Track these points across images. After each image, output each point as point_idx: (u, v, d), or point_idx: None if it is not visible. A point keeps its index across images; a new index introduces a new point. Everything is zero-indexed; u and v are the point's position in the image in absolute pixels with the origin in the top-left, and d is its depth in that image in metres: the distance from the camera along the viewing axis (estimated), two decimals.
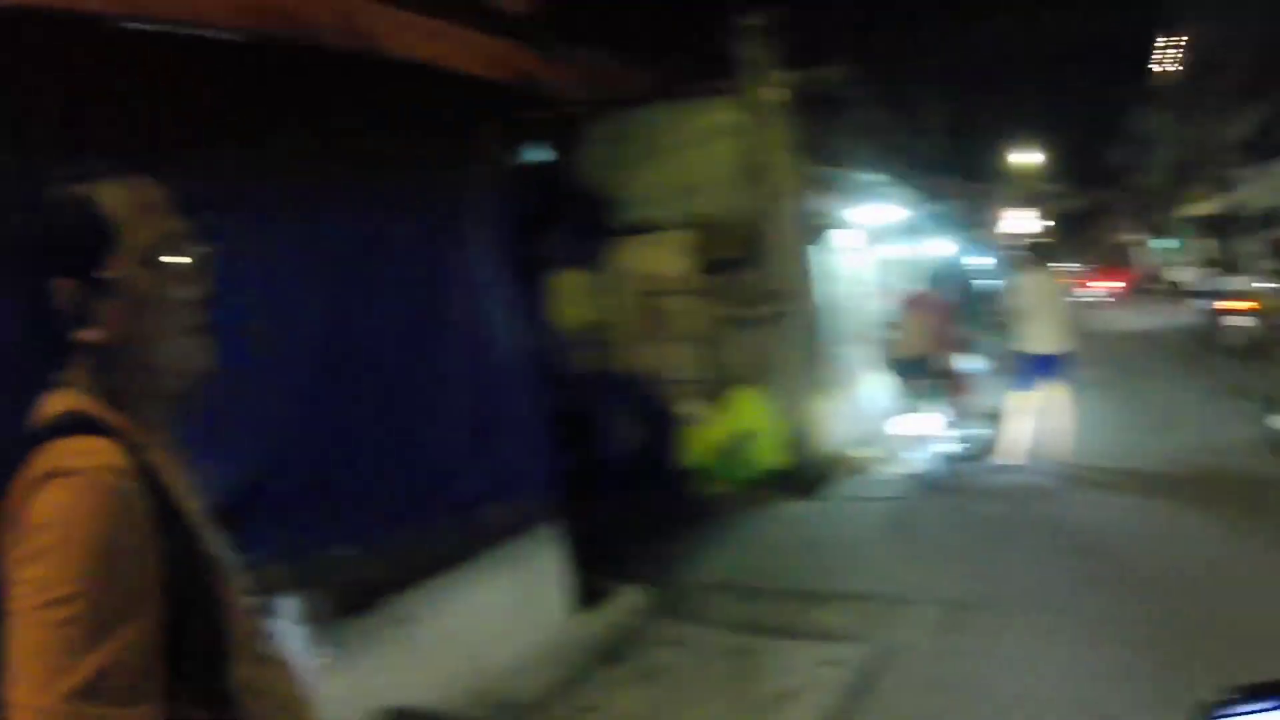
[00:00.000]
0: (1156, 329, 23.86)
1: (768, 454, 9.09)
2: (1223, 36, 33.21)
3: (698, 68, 9.99)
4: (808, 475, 9.31)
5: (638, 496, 7.96)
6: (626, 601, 6.04)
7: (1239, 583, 5.98)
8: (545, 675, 5.07)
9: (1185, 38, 41.17)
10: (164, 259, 1.28)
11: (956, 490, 8.95)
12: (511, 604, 5.17)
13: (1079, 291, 44.22)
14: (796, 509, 8.61)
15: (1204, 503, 7.93)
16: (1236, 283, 20.01)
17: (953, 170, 26.98)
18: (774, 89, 9.79)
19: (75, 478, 1.13)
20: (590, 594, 5.78)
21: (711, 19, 9.87)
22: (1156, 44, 45.41)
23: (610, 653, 5.52)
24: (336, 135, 4.27)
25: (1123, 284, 45.78)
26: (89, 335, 1.24)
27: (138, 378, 1.30)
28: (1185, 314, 22.16)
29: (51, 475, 1.13)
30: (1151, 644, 5.12)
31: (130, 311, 1.26)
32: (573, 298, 9.36)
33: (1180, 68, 42.66)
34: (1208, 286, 21.77)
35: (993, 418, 10.79)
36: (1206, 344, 18.26)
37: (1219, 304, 18.13)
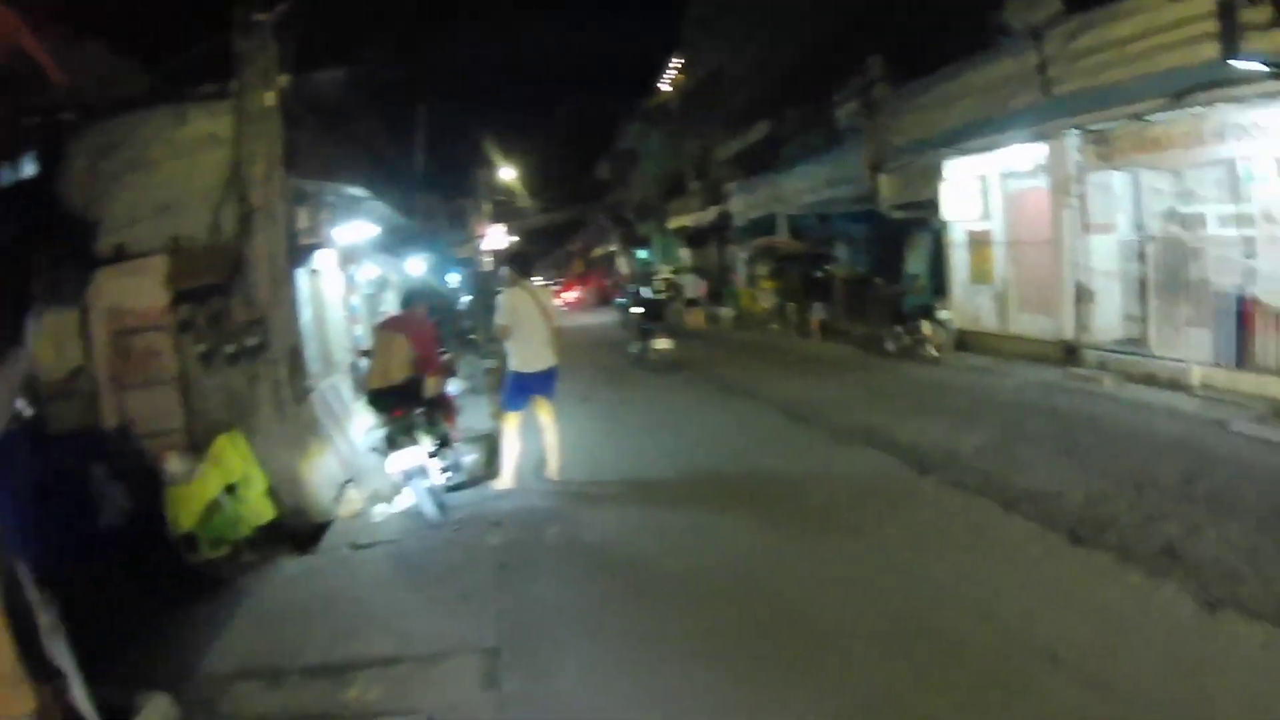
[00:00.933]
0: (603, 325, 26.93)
1: (259, 507, 8.38)
2: (721, 63, 36.62)
3: (202, 67, 9.10)
4: (304, 526, 8.72)
5: (132, 573, 7.00)
6: (155, 716, 4.91)
7: (776, 577, 6.59)
8: None
9: (684, 60, 44.13)
10: None
11: (459, 523, 8.63)
12: None
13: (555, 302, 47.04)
14: (299, 566, 7.94)
15: (700, 499, 8.85)
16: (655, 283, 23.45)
17: (437, 185, 26.56)
18: (270, 94, 9.11)
19: None
20: (109, 713, 4.46)
21: (221, 11, 8.97)
22: (653, 66, 48.32)
23: None
24: None
25: (578, 294, 52.35)
26: None
27: None
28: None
29: None
30: (717, 654, 5.38)
31: None
32: (54, 341, 8.20)
33: (677, 88, 45.55)
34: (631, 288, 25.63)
35: (481, 441, 10.96)
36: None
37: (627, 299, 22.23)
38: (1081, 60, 13.62)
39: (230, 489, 8.08)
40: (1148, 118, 12.59)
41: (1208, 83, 11.35)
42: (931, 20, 18.64)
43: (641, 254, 51.95)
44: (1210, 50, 11.11)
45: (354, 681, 5.42)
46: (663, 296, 23.92)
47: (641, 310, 20.94)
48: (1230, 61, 10.75)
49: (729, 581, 6.60)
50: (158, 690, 5.01)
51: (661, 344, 19.13)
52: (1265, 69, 10.52)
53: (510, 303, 9.36)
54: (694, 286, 29.73)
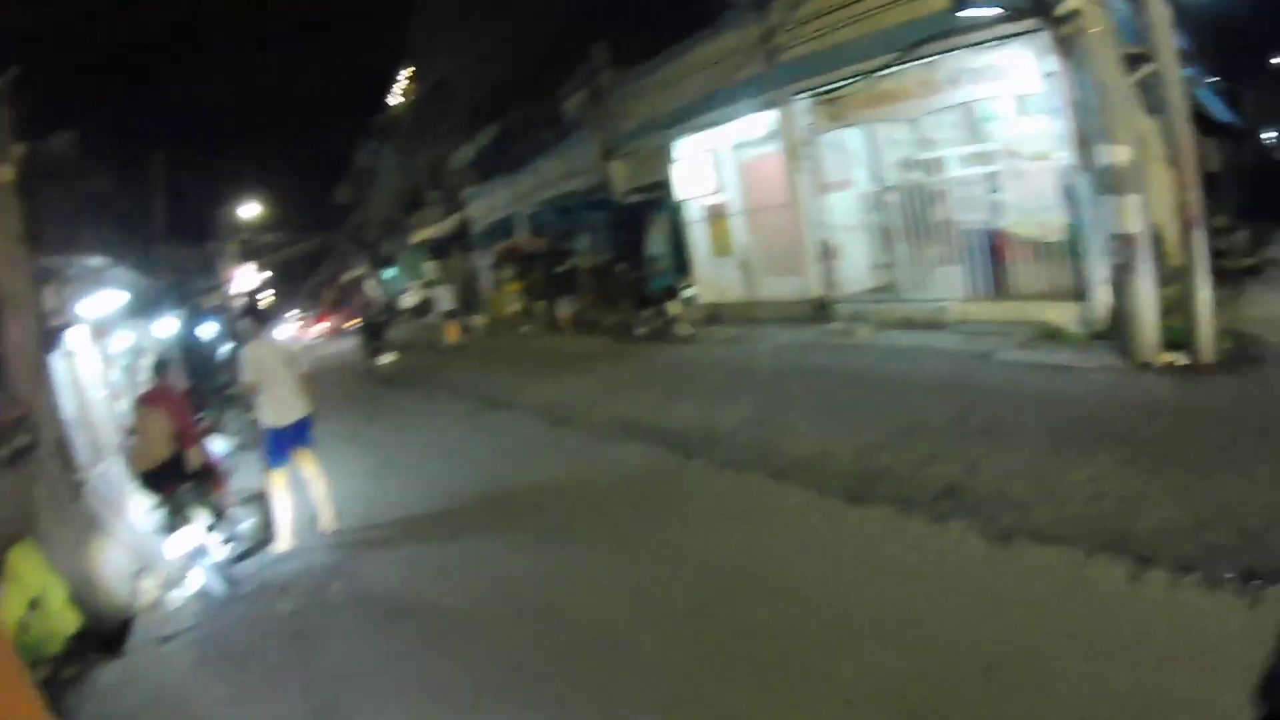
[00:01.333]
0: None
1: (64, 618, 7.54)
2: (449, 69, 35.64)
3: None
4: (108, 628, 7.86)
5: None
6: None
7: (565, 593, 6.29)
8: None
9: (412, 71, 42.80)
10: None
11: (250, 596, 8.10)
12: None
13: (305, 337, 45.88)
14: (114, 674, 7.19)
15: (475, 525, 8.43)
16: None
17: (181, 234, 25.88)
18: (5, 168, 8.17)
19: None
20: None
21: None
22: (384, 81, 47.34)
23: None
24: None
25: (330, 325, 50.16)
26: None
27: None
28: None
29: None
30: (522, 683, 5.12)
31: None
32: None
33: (407, 100, 44.28)
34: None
35: (257, 501, 10.52)
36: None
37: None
38: (807, 25, 13.60)
39: (33, 605, 7.33)
40: (879, 74, 12.62)
41: (940, 33, 11.42)
42: (655, 3, 18.44)
43: (388, 273, 51.13)
44: (940, 2, 11.17)
45: None
46: (380, 319, 25.52)
47: (366, 333, 23.85)
48: (960, 13, 10.77)
49: (518, 607, 6.32)
50: None
51: (384, 359, 22.51)
52: (996, 12, 10.61)
53: (252, 357, 8.99)
54: (448, 299, 28.85)
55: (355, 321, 47.73)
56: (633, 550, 6.77)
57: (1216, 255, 11.60)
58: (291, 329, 48.45)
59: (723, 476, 8.03)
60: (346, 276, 62.05)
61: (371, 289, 53.13)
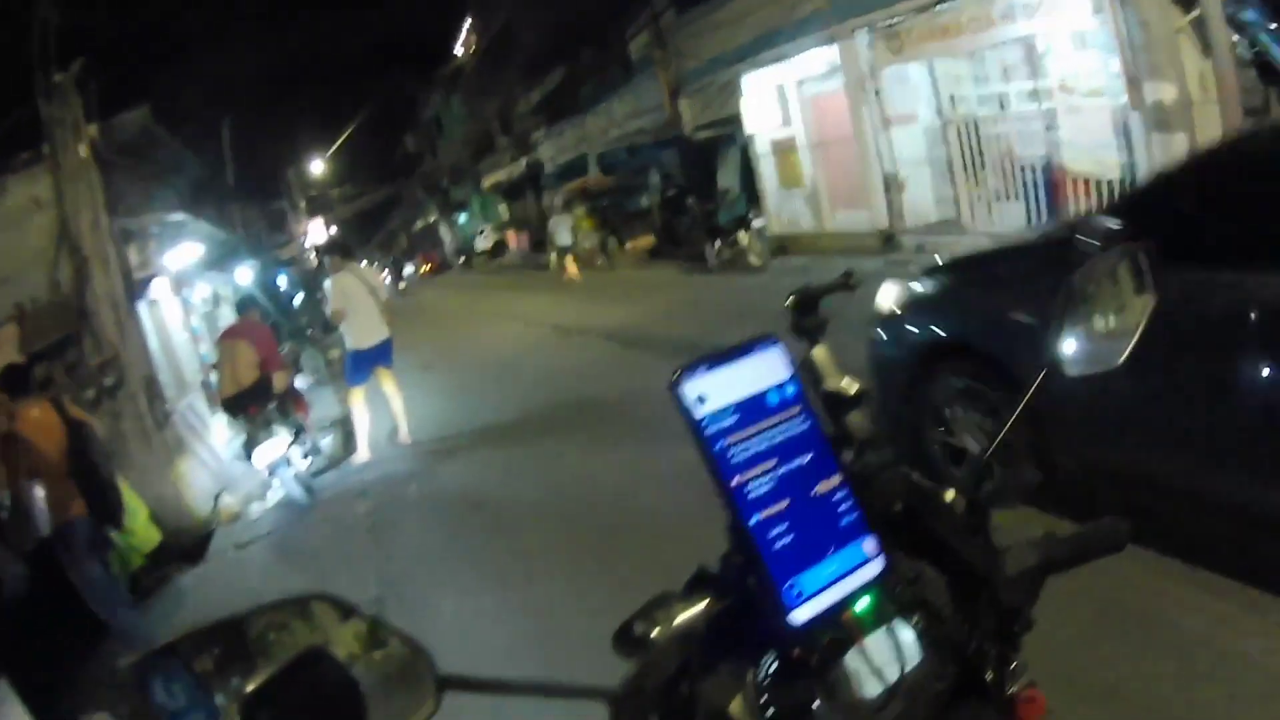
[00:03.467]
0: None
1: (146, 536, 8.30)
2: (511, 14, 35.47)
3: (11, 137, 9.17)
4: (188, 542, 8.79)
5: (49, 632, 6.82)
6: None
7: (617, 487, 6.82)
8: None
9: (473, 20, 42.70)
10: None
11: (329, 503, 8.88)
12: None
13: (391, 280, 47.33)
14: (192, 579, 8.04)
15: (542, 433, 9.14)
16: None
17: (252, 193, 26.08)
18: (82, 146, 9.16)
19: None
20: None
21: (20, 79, 9.06)
22: (448, 31, 46.65)
23: None
24: None
25: (428, 266, 52.41)
26: None
27: None
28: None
29: None
30: (571, 564, 5.63)
31: None
32: None
33: (471, 49, 44.24)
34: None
35: (339, 423, 11.24)
36: None
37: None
38: None
39: None
40: (935, 8, 12.84)
41: None
42: None
43: (461, 218, 51.46)
44: None
45: None
46: None
47: None
48: None
49: (575, 499, 6.86)
50: (97, 710, 5.24)
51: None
52: None
53: (339, 287, 9.69)
54: (565, 233, 26.40)
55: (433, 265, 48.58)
56: (680, 452, 7.29)
57: None
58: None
59: None
60: (420, 223, 62.93)
61: (445, 234, 54.14)
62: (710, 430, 0.90)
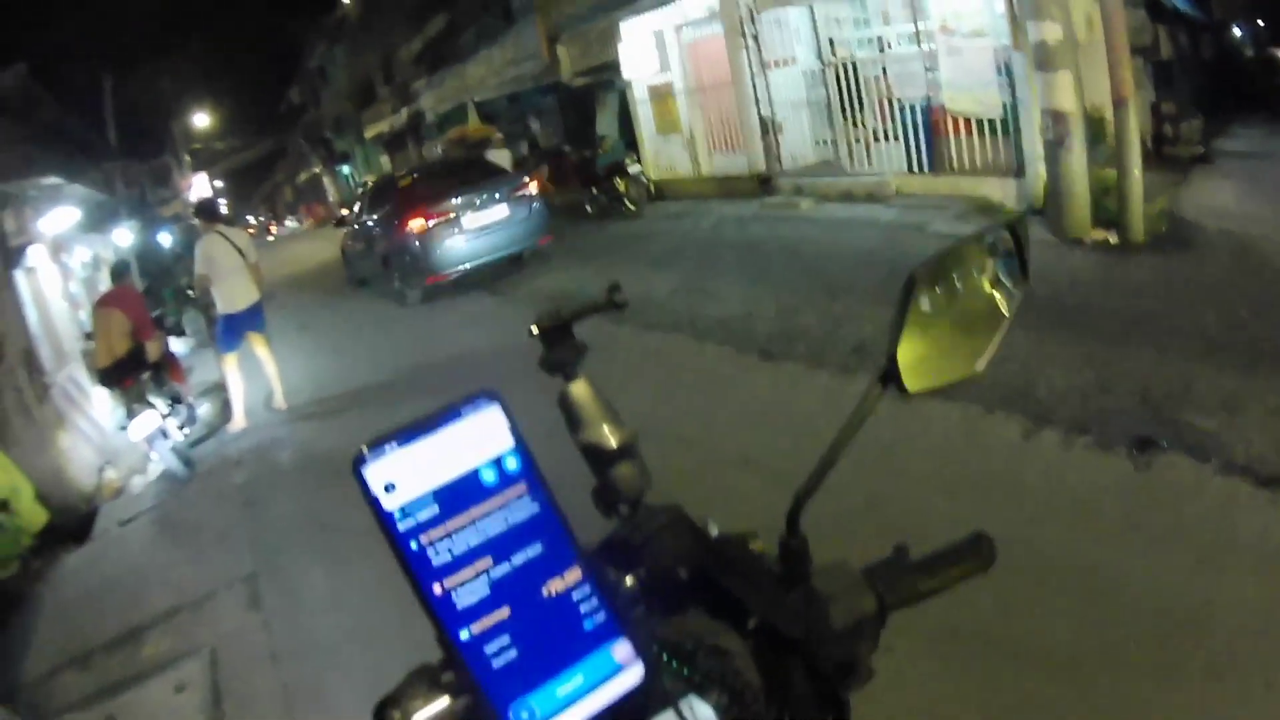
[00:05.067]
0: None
1: (33, 515, 8.16)
2: None
3: None
4: (73, 520, 8.60)
5: None
6: None
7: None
8: None
9: None
10: None
11: (208, 474, 8.73)
12: None
13: (267, 236, 46.20)
14: (79, 559, 7.87)
15: (415, 391, 8.88)
16: None
17: (134, 150, 25.55)
18: None
19: None
20: None
21: None
22: None
23: None
24: None
25: (311, 220, 52.20)
26: None
27: None
28: None
29: None
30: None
31: None
32: None
33: None
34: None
35: (214, 391, 11.32)
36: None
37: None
38: None
39: (4, 506, 7.95)
40: None
41: None
42: None
43: (344, 170, 50.91)
44: None
45: (147, 640, 5.80)
46: None
47: None
48: None
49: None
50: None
51: None
52: None
53: (205, 251, 9.38)
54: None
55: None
56: (549, 403, 6.96)
57: (1163, 141, 11.65)
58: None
59: (649, 338, 8.36)
60: (304, 175, 61.76)
61: (329, 186, 53.38)
62: (403, 526, 0.77)
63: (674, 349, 7.92)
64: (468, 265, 12.93)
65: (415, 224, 12.82)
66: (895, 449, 4.83)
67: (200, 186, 39.64)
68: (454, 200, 12.89)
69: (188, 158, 44.02)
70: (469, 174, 14.19)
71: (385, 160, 42.61)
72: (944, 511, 4.28)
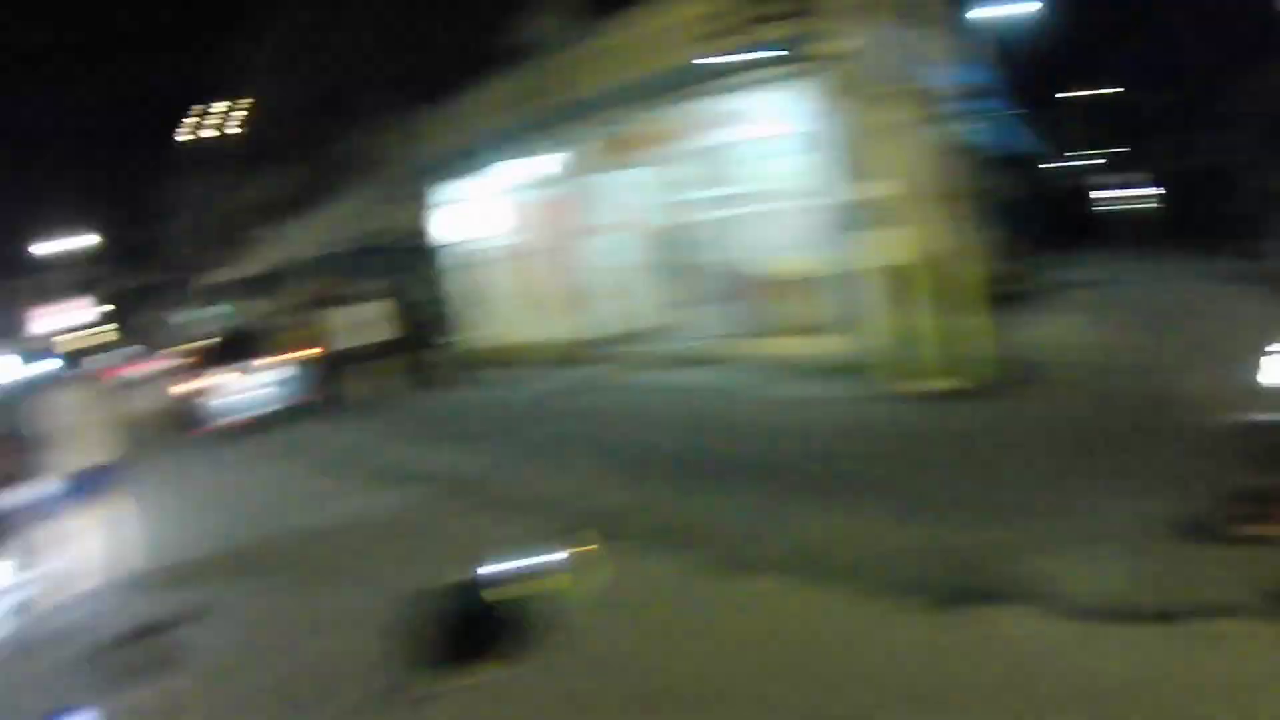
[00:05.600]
0: None
1: None
2: (263, 103, 34.27)
3: None
4: None
5: None
6: None
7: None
8: None
9: (211, 106, 41.16)
10: None
11: (58, 642, 7.54)
12: None
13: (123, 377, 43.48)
14: None
15: (243, 572, 8.19)
16: None
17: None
18: None
19: None
20: None
21: None
22: (187, 113, 44.35)
23: None
24: None
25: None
26: None
27: None
28: None
29: None
30: None
31: None
32: None
33: (204, 135, 42.59)
34: None
35: (69, 542, 9.85)
36: None
37: None
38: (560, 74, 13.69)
39: None
40: (626, 122, 13.05)
41: (692, 79, 11.67)
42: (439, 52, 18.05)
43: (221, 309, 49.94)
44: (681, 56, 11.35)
45: None
46: None
47: None
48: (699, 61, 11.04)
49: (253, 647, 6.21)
50: None
51: None
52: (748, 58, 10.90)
53: (51, 401, 8.69)
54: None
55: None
56: (366, 586, 6.51)
57: (997, 281, 12.04)
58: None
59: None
60: (169, 315, 60.27)
61: (191, 329, 52.11)
62: None
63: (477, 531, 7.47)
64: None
65: None
66: (705, 631, 4.88)
67: (67, 314, 37.89)
68: None
69: (56, 280, 42.44)
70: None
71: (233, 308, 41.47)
72: (736, 690, 4.26)
